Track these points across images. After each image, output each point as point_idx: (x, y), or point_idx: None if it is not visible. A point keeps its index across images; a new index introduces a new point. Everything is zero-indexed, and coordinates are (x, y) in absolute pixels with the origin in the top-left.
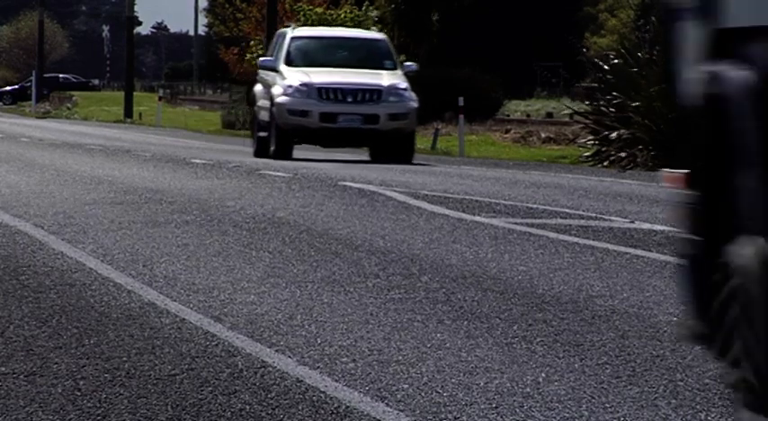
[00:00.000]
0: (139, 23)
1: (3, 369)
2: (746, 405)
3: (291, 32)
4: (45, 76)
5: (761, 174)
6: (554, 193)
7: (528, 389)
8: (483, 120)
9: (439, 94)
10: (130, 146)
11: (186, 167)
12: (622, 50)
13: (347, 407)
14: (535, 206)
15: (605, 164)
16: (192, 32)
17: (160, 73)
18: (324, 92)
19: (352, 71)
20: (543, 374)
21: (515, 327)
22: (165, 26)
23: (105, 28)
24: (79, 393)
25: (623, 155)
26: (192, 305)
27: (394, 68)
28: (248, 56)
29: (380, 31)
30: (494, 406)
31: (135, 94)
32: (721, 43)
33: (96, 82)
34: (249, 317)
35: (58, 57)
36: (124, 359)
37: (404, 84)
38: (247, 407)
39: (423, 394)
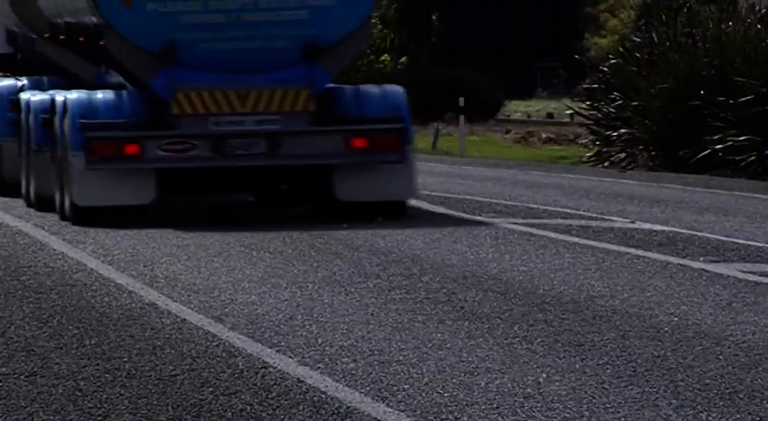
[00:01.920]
0: None
1: (4, 369)
2: None
3: None
4: None
5: None
6: (554, 194)
7: (529, 390)
8: (484, 120)
9: (439, 95)
10: None
11: None
12: (621, 50)
13: (348, 407)
14: (536, 206)
15: (606, 164)
16: None
17: None
18: None
19: None
20: (544, 374)
21: (516, 328)
22: None
23: None
24: (80, 393)
25: (623, 155)
26: (192, 305)
27: None
28: None
29: (381, 31)
30: (495, 406)
31: None
32: None
33: None
34: (250, 317)
35: None
36: (125, 359)
37: None
38: (248, 407)
39: (423, 394)
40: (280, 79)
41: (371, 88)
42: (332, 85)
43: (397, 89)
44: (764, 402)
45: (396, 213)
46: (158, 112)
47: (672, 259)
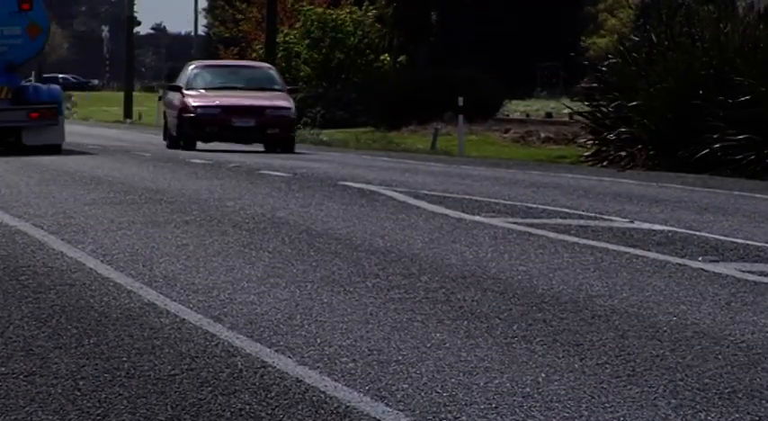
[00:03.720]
0: (139, 24)
1: (3, 369)
2: None
3: None
4: (45, 76)
5: None
6: (553, 193)
7: (528, 389)
8: (483, 120)
9: (438, 94)
10: (130, 146)
11: (186, 167)
12: (620, 50)
13: (347, 406)
14: (535, 206)
15: (605, 163)
16: (191, 32)
17: (160, 73)
18: None
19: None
20: (543, 374)
21: (515, 327)
22: (164, 28)
23: (105, 28)
24: (79, 393)
25: (622, 154)
26: (191, 305)
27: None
28: (253, 56)
29: (380, 31)
30: (493, 406)
31: (134, 94)
32: None
33: (96, 82)
34: (249, 317)
35: (57, 57)
36: (124, 359)
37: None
38: (247, 407)
39: (422, 394)
40: None
41: (42, 85)
42: (23, 83)
43: (57, 86)
44: (764, 402)
45: (54, 152)
46: None
47: (671, 258)
